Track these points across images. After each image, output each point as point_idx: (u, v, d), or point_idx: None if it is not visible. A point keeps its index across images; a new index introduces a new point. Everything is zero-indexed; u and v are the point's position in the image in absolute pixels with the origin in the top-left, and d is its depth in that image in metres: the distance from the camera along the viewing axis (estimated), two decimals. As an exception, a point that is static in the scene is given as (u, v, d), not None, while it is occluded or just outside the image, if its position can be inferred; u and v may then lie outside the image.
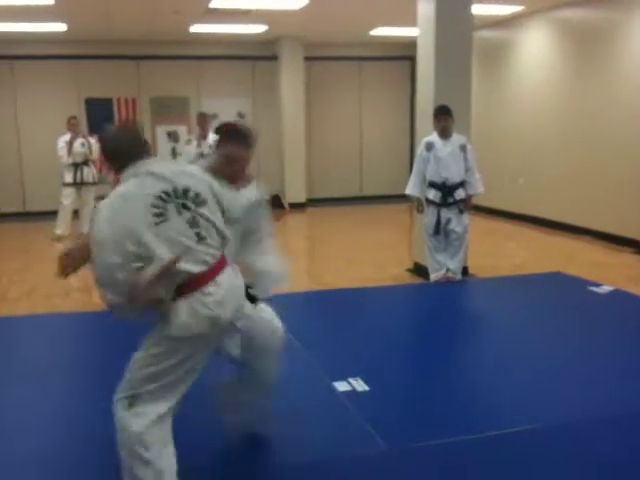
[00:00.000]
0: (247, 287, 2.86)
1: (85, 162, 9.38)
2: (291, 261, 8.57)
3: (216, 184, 2.79)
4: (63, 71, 11.37)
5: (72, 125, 9.37)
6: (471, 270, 6.87)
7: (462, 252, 6.54)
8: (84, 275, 3.02)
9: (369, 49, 12.74)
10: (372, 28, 10.88)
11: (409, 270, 7.12)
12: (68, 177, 9.34)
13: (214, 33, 10.77)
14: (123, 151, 2.66)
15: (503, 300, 6.14)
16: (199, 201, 2.64)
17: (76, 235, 9.08)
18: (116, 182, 2.74)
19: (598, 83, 8.55)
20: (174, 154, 11.77)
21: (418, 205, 6.58)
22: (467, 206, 6.46)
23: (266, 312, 3.15)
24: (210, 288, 2.59)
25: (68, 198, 9.36)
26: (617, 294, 6.00)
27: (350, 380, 4.02)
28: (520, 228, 9.74)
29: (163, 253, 2.48)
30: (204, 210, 2.64)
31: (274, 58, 12.12)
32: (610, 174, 8.40)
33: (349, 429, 3.45)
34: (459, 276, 6.53)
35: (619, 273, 6.88)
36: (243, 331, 2.97)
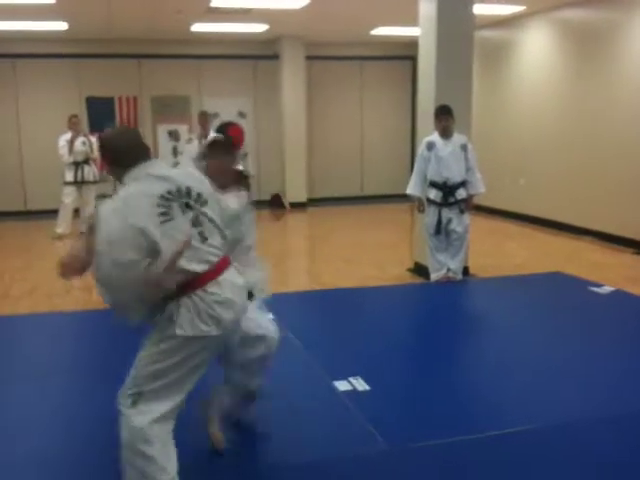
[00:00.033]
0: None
1: (86, 161, 9.38)
2: (291, 260, 8.64)
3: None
4: (64, 70, 11.37)
5: (73, 124, 9.37)
6: (472, 270, 6.88)
7: (463, 252, 6.54)
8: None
9: (370, 48, 12.74)
10: (373, 27, 10.88)
11: (410, 270, 7.12)
12: (69, 176, 9.34)
13: (215, 32, 10.77)
14: (125, 154, 2.66)
15: (504, 300, 6.15)
16: (201, 201, 2.66)
17: (76, 233, 9.09)
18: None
19: (599, 83, 8.55)
20: (175, 153, 11.78)
21: (419, 205, 6.59)
22: (468, 206, 6.46)
23: (260, 314, 3.20)
24: (213, 288, 2.61)
25: (69, 197, 9.37)
26: (617, 294, 6.01)
27: (351, 379, 4.02)
28: (521, 228, 9.75)
29: (169, 252, 2.50)
30: (206, 210, 2.66)
31: (275, 57, 12.12)
32: (611, 174, 8.40)
33: (350, 428, 3.46)
34: (460, 276, 6.54)
35: (619, 273, 6.89)
36: (240, 331, 2.99)
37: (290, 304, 5.87)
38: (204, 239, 2.63)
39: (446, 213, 6.39)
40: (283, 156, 12.27)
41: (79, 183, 9.37)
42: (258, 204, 11.99)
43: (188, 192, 2.63)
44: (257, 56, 12.20)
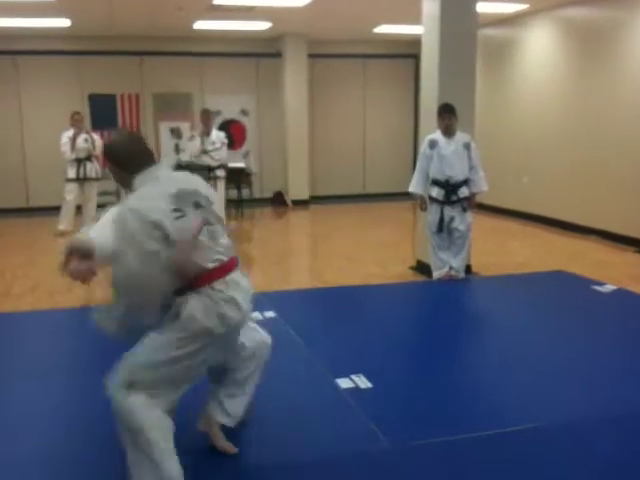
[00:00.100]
0: None
1: (88, 158, 9.37)
2: (293, 258, 8.64)
3: None
4: (66, 67, 11.37)
5: (75, 121, 9.37)
6: (474, 268, 6.87)
7: (465, 250, 6.53)
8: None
9: (373, 47, 12.72)
10: (376, 25, 10.86)
11: (412, 268, 7.12)
12: (71, 173, 9.34)
13: (218, 30, 10.76)
14: (131, 159, 2.74)
15: (506, 298, 6.14)
16: (208, 202, 2.75)
17: (78, 231, 9.08)
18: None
19: (602, 82, 8.54)
20: (177, 150, 11.78)
21: (421, 203, 6.58)
22: (471, 204, 6.45)
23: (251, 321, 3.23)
24: (220, 286, 2.69)
25: (71, 194, 9.36)
26: (620, 293, 5.99)
27: (353, 377, 4.02)
28: (524, 227, 9.73)
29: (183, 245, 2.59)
30: (213, 209, 2.76)
31: (278, 55, 12.11)
32: (614, 173, 8.39)
33: (352, 426, 3.45)
34: (462, 274, 6.53)
35: (622, 272, 6.88)
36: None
37: (292, 302, 5.88)
38: (214, 238, 2.71)
39: (448, 211, 6.38)
40: (285, 154, 12.26)
41: (81, 180, 9.37)
42: (261, 202, 12.14)
43: (197, 192, 2.72)
44: (260, 54, 12.19)
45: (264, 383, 3.24)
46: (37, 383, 4.05)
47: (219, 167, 9.08)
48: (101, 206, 10.02)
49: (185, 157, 9.63)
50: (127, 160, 2.74)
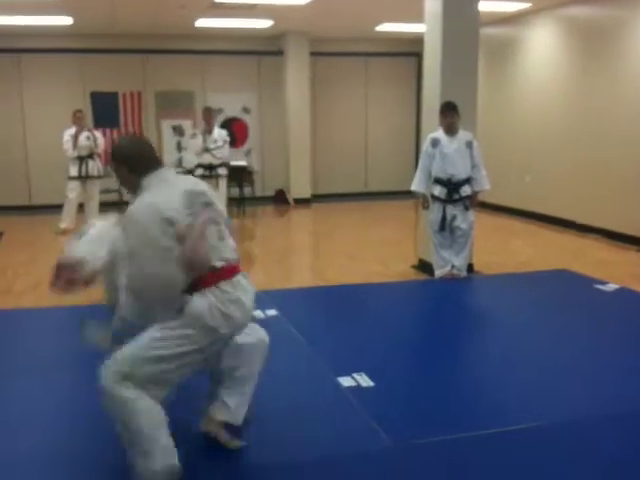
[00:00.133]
0: None
1: (90, 155, 9.38)
2: (295, 256, 8.64)
3: None
4: (69, 65, 11.37)
5: (77, 119, 9.37)
6: (476, 267, 6.86)
7: (467, 249, 6.53)
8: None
9: (375, 45, 12.71)
10: (378, 24, 10.85)
11: (414, 266, 7.11)
12: (73, 170, 9.35)
13: (220, 27, 10.75)
14: (140, 161, 2.78)
15: (508, 297, 6.13)
16: (214, 204, 2.81)
17: (80, 228, 9.09)
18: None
19: (604, 81, 8.52)
20: (179, 148, 11.79)
21: (423, 201, 6.57)
22: (473, 203, 6.44)
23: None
24: (226, 286, 2.73)
25: (73, 191, 9.37)
26: (623, 292, 5.99)
27: (355, 375, 4.01)
28: (526, 225, 9.72)
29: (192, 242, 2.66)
30: (220, 210, 2.85)
31: (280, 53, 12.10)
32: (616, 172, 8.38)
33: (353, 425, 3.45)
34: (464, 273, 6.52)
35: (624, 271, 6.87)
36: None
37: (294, 300, 5.88)
38: (222, 238, 2.78)
39: (451, 210, 6.37)
40: (287, 152, 12.25)
41: (83, 178, 9.38)
42: (262, 200, 12.15)
43: (204, 193, 2.80)
44: (261, 52, 12.18)
45: (265, 382, 3.24)
46: (39, 380, 4.06)
47: (221, 165, 9.08)
48: (103, 204, 10.01)
49: (187, 155, 9.63)
50: (136, 162, 2.78)
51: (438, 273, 6.52)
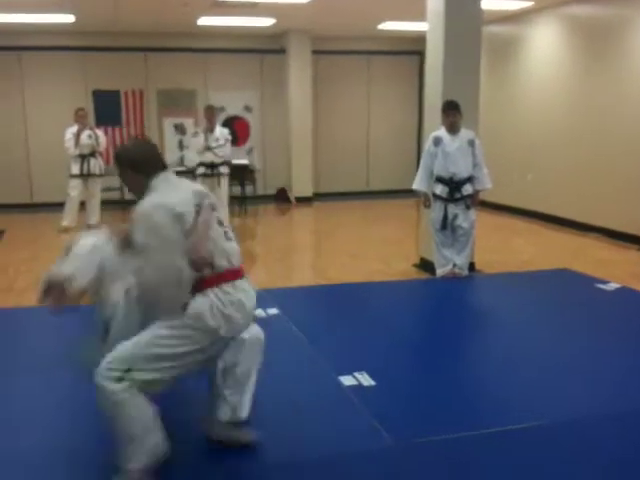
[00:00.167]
0: None
1: (92, 154, 9.39)
2: (297, 255, 8.64)
3: None
4: (71, 63, 11.37)
5: (79, 117, 9.38)
6: (478, 266, 6.85)
7: (469, 248, 6.52)
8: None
9: (377, 43, 12.70)
10: (380, 22, 10.84)
11: (415, 265, 7.11)
12: (75, 169, 9.35)
13: (222, 26, 10.74)
14: (146, 162, 2.83)
15: (510, 296, 6.13)
16: (217, 205, 2.89)
17: (82, 227, 9.11)
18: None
19: (607, 79, 8.51)
20: (181, 147, 11.79)
21: (425, 200, 6.57)
22: (474, 202, 6.44)
23: None
24: (228, 288, 2.76)
25: (75, 190, 9.38)
26: (623, 291, 5.98)
27: (356, 374, 4.01)
28: (527, 224, 9.72)
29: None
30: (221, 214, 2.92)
31: (282, 51, 12.09)
32: (618, 171, 8.37)
33: (355, 424, 3.44)
34: (466, 272, 6.52)
35: (625, 270, 6.86)
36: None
37: (295, 299, 5.88)
38: (228, 239, 2.82)
39: (452, 209, 6.37)
40: (289, 150, 12.25)
41: (85, 176, 9.39)
42: (264, 198, 12.15)
43: (208, 195, 2.87)
44: (264, 50, 12.18)
45: (266, 380, 3.23)
46: (40, 378, 4.06)
47: (222, 164, 9.07)
48: (105, 202, 10.01)
49: (189, 154, 9.62)
50: (144, 163, 2.82)
51: (439, 272, 6.52)
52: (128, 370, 2.66)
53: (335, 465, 3.08)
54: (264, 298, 4.83)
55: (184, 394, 3.15)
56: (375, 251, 7.99)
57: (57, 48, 11.17)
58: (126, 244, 3.01)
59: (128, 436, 2.70)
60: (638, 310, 5.60)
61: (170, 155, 11.36)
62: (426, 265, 6.86)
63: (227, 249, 2.79)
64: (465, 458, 3.13)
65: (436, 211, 6.44)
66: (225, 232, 2.82)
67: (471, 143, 6.31)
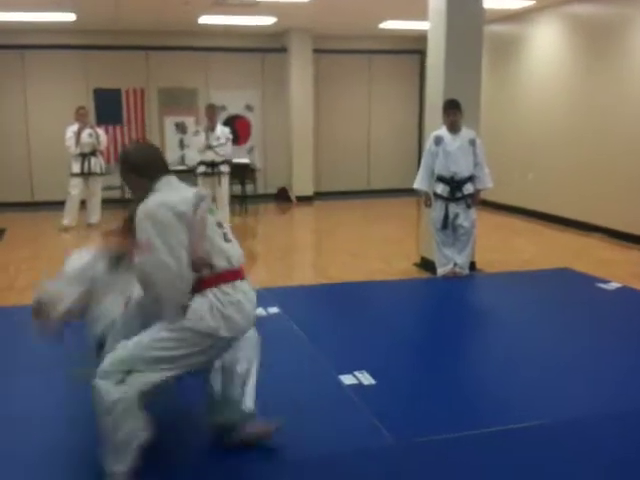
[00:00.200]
0: None
1: (93, 152, 9.39)
2: (297, 254, 8.64)
3: None
4: (72, 61, 11.37)
5: (80, 115, 9.38)
6: (479, 265, 6.85)
7: (470, 247, 6.52)
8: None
9: (379, 42, 12.69)
10: (382, 21, 10.83)
11: (416, 264, 7.10)
12: (76, 167, 9.35)
13: (223, 25, 10.74)
14: (149, 165, 2.85)
15: (511, 295, 6.12)
16: (217, 208, 2.96)
17: (83, 225, 9.12)
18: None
19: (608, 79, 8.50)
20: (182, 145, 11.78)
21: (426, 199, 6.56)
22: (475, 201, 6.43)
23: None
24: (228, 289, 2.75)
25: (76, 188, 9.37)
26: (625, 291, 5.98)
27: (356, 373, 4.01)
28: (528, 223, 9.71)
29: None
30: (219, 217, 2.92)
31: (283, 50, 12.09)
32: (619, 171, 8.36)
33: (355, 423, 3.44)
34: (466, 271, 6.51)
35: (626, 270, 6.85)
36: None
37: (296, 298, 5.87)
38: (227, 240, 2.82)
39: (453, 208, 6.37)
40: (290, 149, 12.24)
41: (86, 175, 9.39)
42: (265, 197, 12.14)
43: (208, 197, 2.89)
44: (265, 49, 12.17)
45: (266, 379, 3.24)
46: (40, 378, 4.06)
47: (223, 163, 9.07)
48: (105, 201, 10.03)
49: (190, 152, 9.62)
50: (147, 167, 2.83)
51: (440, 271, 6.51)
52: (129, 372, 2.66)
53: (336, 464, 3.07)
54: (265, 297, 4.82)
55: (184, 393, 3.14)
56: (376, 250, 7.98)
57: (58, 46, 11.17)
58: (119, 259, 3.05)
59: (116, 439, 2.70)
60: (638, 309, 5.60)
61: (171, 154, 11.36)
62: (427, 264, 6.86)
63: (226, 249, 2.78)
64: (466, 457, 3.13)
65: (437, 210, 6.44)
66: (224, 233, 2.83)
67: (472, 142, 6.30)
